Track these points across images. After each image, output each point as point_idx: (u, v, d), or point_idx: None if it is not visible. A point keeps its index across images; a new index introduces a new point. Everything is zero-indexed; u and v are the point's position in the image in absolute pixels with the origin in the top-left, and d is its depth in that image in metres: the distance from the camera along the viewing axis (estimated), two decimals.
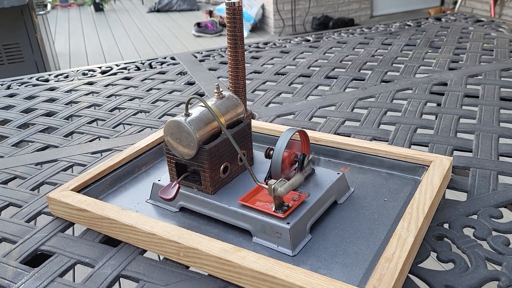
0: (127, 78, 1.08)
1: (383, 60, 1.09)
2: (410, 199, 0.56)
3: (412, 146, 0.70)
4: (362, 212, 0.55)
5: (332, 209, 0.56)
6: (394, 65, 1.06)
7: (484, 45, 1.14)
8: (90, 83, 1.06)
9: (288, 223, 0.49)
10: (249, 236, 0.52)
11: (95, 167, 0.63)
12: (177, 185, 0.54)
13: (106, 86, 1.04)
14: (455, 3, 4.78)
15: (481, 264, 0.47)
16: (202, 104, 0.56)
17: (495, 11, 4.16)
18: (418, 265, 0.48)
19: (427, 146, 0.70)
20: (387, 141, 0.72)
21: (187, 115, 0.54)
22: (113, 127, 0.83)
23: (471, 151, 0.68)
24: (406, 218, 0.49)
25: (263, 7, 4.67)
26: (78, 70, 1.16)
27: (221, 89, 0.59)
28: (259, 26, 4.78)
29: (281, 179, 0.51)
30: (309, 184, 0.56)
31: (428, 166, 0.60)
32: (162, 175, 0.60)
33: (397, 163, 0.62)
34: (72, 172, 0.70)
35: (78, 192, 0.59)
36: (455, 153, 0.68)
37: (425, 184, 0.55)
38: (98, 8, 6.14)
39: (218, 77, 1.05)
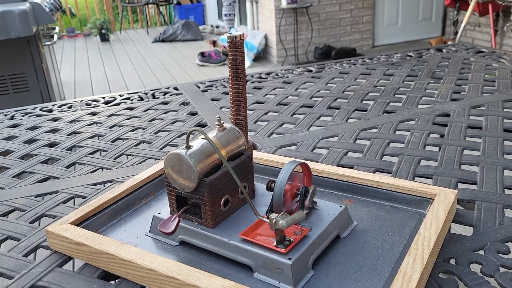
0: (130, 109, 1.09)
1: (385, 91, 1.09)
2: (415, 233, 0.55)
3: (416, 178, 0.69)
4: (366, 247, 0.54)
5: (335, 243, 0.54)
6: (396, 95, 1.06)
7: (486, 76, 1.14)
8: (93, 113, 1.06)
9: (289, 259, 0.48)
10: (250, 272, 0.51)
11: (95, 200, 0.62)
12: (177, 218, 0.53)
13: (109, 116, 1.04)
14: (456, 33, 4.84)
15: None
16: (203, 136, 0.56)
17: (496, 42, 4.20)
18: None
19: (431, 178, 0.69)
20: (391, 173, 0.71)
21: (188, 147, 0.53)
22: (115, 158, 0.82)
23: (475, 184, 0.67)
24: (411, 254, 0.48)
25: (266, 37, 4.74)
26: (81, 101, 1.17)
27: (222, 121, 0.58)
28: (261, 56, 4.84)
29: (282, 213, 0.50)
30: (311, 217, 0.55)
31: (433, 199, 0.59)
32: (163, 207, 0.60)
33: (401, 196, 0.61)
34: (74, 204, 0.69)
35: (78, 225, 0.58)
36: (460, 185, 0.67)
37: (430, 218, 0.54)
38: (104, 38, 6.24)
39: (221, 108, 1.05)
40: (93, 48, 5.79)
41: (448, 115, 0.93)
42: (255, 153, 0.73)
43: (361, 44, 4.96)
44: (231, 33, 0.57)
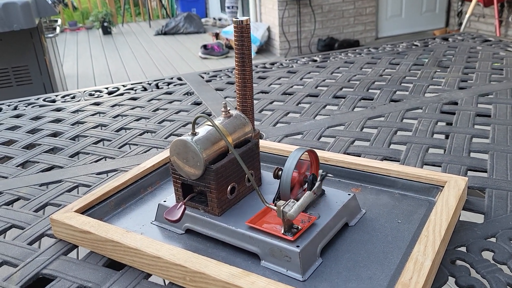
0: (134, 99, 1.08)
1: (391, 80, 1.08)
2: (425, 221, 0.54)
3: (424, 166, 0.68)
4: (375, 234, 0.53)
5: (343, 231, 0.54)
6: (402, 84, 1.04)
7: (495, 64, 1.12)
8: (97, 104, 1.05)
9: (297, 246, 0.47)
10: (258, 260, 0.50)
11: (99, 188, 0.61)
12: (183, 206, 0.53)
13: (112, 106, 1.03)
14: (460, 24, 4.80)
15: None
16: (209, 123, 0.55)
17: (500, 32, 4.16)
18: None
19: (440, 166, 0.68)
20: (398, 161, 0.70)
21: (194, 134, 0.52)
22: (119, 148, 0.82)
23: (485, 171, 0.66)
24: (422, 241, 0.47)
25: (269, 29, 4.71)
26: (85, 91, 1.16)
27: (228, 108, 0.57)
28: (265, 48, 4.81)
29: (290, 200, 0.49)
30: (319, 205, 0.54)
31: (443, 186, 0.58)
32: (168, 196, 0.59)
33: (410, 184, 0.60)
34: (78, 193, 0.68)
35: (82, 213, 0.57)
36: (469, 173, 0.66)
37: (440, 205, 0.53)
38: (106, 31, 6.22)
39: (225, 97, 1.04)
40: (95, 41, 5.77)
41: (456, 104, 0.91)
42: (261, 142, 0.72)
43: (364, 36, 4.92)
44: (237, 19, 0.56)
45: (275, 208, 0.49)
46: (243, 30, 0.56)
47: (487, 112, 0.86)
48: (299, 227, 0.49)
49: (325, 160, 0.65)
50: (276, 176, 0.55)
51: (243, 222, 0.51)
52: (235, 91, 0.57)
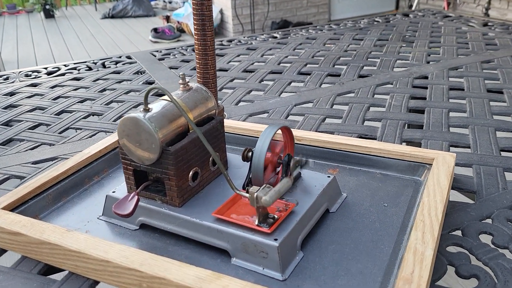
0: (77, 79, 0.96)
1: (357, 55, 1.02)
2: (414, 203, 0.48)
3: (403, 143, 0.63)
4: (361, 221, 0.46)
5: (324, 219, 0.47)
6: (369, 59, 0.99)
7: (432, 49, 1.06)
8: (34, 85, 0.93)
9: (275, 240, 0.40)
10: (228, 257, 0.42)
11: (34, 179, 0.51)
12: (136, 197, 0.44)
13: (52, 87, 0.91)
14: (411, 6, 4.86)
15: (509, 278, 0.39)
16: (165, 97, 0.46)
17: None
18: (436, 283, 0.39)
19: (419, 143, 0.63)
20: (375, 139, 0.64)
21: (147, 110, 0.44)
22: (60, 133, 0.71)
23: (469, 147, 0.61)
24: (418, 227, 0.41)
25: (221, 11, 4.59)
26: (20, 72, 1.03)
27: (187, 80, 0.49)
28: (217, 32, 4.68)
29: (264, 185, 0.41)
30: (295, 190, 0.47)
31: (430, 164, 0.52)
32: (118, 185, 0.50)
33: (393, 162, 0.54)
34: (10, 186, 0.58)
35: (12, 210, 0.47)
36: (452, 149, 0.61)
37: (432, 185, 0.47)
38: (49, 14, 5.86)
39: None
40: (37, 25, 5.42)
41: (426, 77, 0.86)
42: (227, 122, 0.64)
43: (317, 19, 4.89)
44: None
45: (247, 195, 0.41)
46: None
47: (460, 85, 0.82)
48: (276, 216, 0.42)
49: (297, 139, 0.58)
50: (246, 158, 0.47)
51: (209, 213, 0.43)
52: (195, 60, 0.49)
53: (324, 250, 0.42)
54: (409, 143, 0.62)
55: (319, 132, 0.66)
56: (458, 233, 0.45)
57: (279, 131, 0.47)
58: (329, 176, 0.49)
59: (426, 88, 0.81)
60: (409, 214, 0.47)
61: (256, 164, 0.44)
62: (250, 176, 0.45)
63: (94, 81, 0.94)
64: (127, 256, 0.39)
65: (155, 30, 4.50)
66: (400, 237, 0.43)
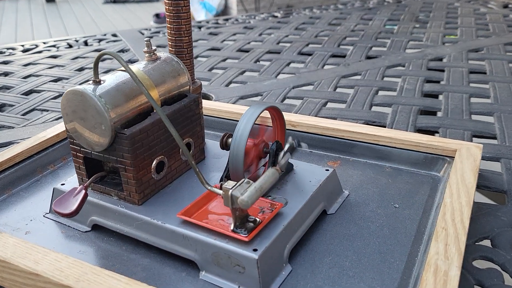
0: (54, 57, 0.87)
1: (365, 35, 0.92)
2: (431, 205, 0.39)
3: (417, 132, 0.53)
4: (365, 226, 0.37)
5: (320, 222, 0.38)
6: (378, 40, 0.89)
7: (448, 36, 0.95)
8: (5, 63, 0.84)
9: (254, 250, 0.31)
10: (196, 270, 0.33)
11: None
12: (83, 191, 0.35)
13: (25, 65, 0.82)
14: None
15: None
16: (123, 68, 0.37)
17: None
18: None
19: (436, 132, 0.53)
20: (385, 126, 0.54)
21: (98, 82, 0.35)
22: (23, 114, 0.62)
23: (495, 137, 0.51)
24: (440, 237, 0.32)
25: None
26: None
27: (154, 48, 0.40)
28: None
29: (244, 180, 0.32)
30: (285, 186, 0.38)
31: (451, 157, 0.43)
32: (72, 176, 0.41)
33: (406, 154, 0.45)
34: None
35: None
36: (474, 140, 0.52)
37: (455, 183, 0.37)
38: None
39: (196, 57, 0.85)
40: (37, 10, 5.31)
41: (441, 59, 0.77)
42: (209, 104, 0.55)
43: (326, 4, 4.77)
44: None
45: (220, 192, 0.32)
46: None
47: (481, 69, 0.72)
48: (258, 219, 0.33)
49: (291, 125, 0.49)
50: (225, 145, 0.38)
51: (175, 214, 0.34)
52: (166, 24, 0.39)
53: (319, 264, 0.33)
54: (424, 132, 0.53)
55: (319, 117, 0.57)
56: (487, 243, 0.36)
57: (267, 114, 0.38)
58: (327, 170, 0.40)
59: (443, 71, 0.72)
60: (426, 218, 0.37)
61: (234, 152, 0.35)
62: (229, 167, 0.36)
63: (73, 59, 0.85)
64: (63, 268, 0.30)
65: (157, 15, 4.40)
66: (415, 247, 0.34)
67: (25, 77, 0.76)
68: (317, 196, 0.37)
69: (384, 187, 0.42)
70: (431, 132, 0.54)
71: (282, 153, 0.37)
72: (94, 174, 0.37)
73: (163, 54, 0.40)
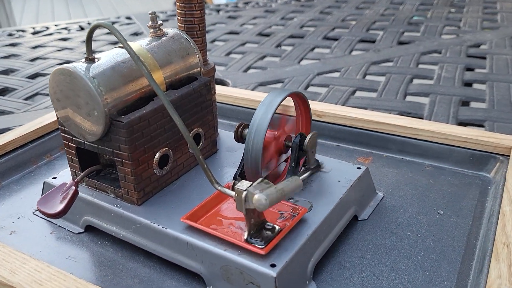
0: (64, 39, 0.83)
1: (396, 20, 0.85)
2: (482, 212, 0.33)
3: (459, 125, 0.47)
4: (405, 235, 0.31)
5: (350, 230, 0.32)
6: (411, 24, 0.82)
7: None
8: (13, 45, 0.80)
9: (273, 266, 0.25)
10: (202, 285, 0.28)
11: None
12: (73, 188, 0.30)
13: (33, 48, 0.78)
14: None
15: None
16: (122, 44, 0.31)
17: None
18: None
19: (481, 125, 0.47)
20: (422, 118, 0.48)
21: (91, 60, 0.29)
22: (25, 99, 0.58)
23: None
24: (501, 256, 0.26)
25: None
26: (4, 31, 0.90)
27: (159, 22, 0.34)
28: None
29: (261, 179, 0.27)
30: (310, 187, 0.32)
31: (505, 156, 0.36)
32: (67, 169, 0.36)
33: (450, 151, 0.39)
34: None
35: None
36: None
37: None
38: None
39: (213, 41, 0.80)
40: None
41: (479, 46, 0.70)
42: (224, 90, 0.49)
43: None
44: None
45: (231, 193, 0.27)
46: None
47: None
48: (277, 227, 0.27)
49: (317, 115, 0.43)
50: (240, 138, 0.33)
51: (179, 218, 0.29)
52: None
53: (349, 282, 0.28)
54: (466, 125, 0.47)
55: (347, 106, 0.51)
56: None
57: (290, 101, 0.32)
58: (359, 168, 0.34)
59: (484, 58, 0.65)
60: (477, 228, 0.31)
61: (250, 146, 0.29)
62: (243, 163, 0.31)
63: (83, 42, 0.81)
64: (42, 280, 0.25)
65: None
66: (465, 265, 0.28)
67: (31, 60, 0.72)
68: (347, 199, 0.31)
69: (425, 189, 0.36)
70: (475, 125, 0.47)
71: (308, 147, 0.31)
72: (86, 167, 0.32)
73: (170, 30, 0.35)
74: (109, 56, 0.30)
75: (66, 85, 0.29)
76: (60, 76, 0.29)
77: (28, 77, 0.65)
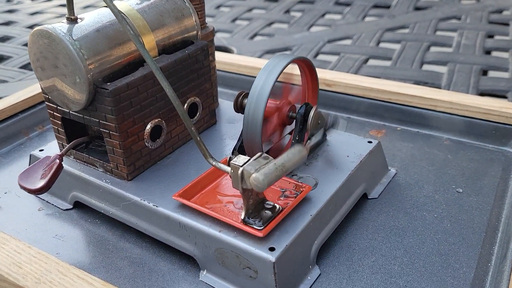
0: (63, 6, 0.79)
1: None
2: (504, 190, 0.30)
3: (480, 96, 0.43)
4: (420, 216, 0.28)
5: (359, 210, 0.29)
6: None
7: None
8: (10, 11, 0.77)
9: (272, 249, 0.23)
10: (196, 268, 0.26)
11: None
12: (57, 161, 0.27)
13: (32, 14, 0.75)
14: None
15: None
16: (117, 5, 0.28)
17: None
18: None
19: (504, 96, 0.43)
20: (439, 88, 0.45)
21: (73, 20, 0.26)
22: (21, 67, 0.55)
23: None
24: None
25: None
26: None
27: None
28: None
29: (260, 154, 0.24)
30: (315, 162, 0.30)
31: None
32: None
33: (471, 124, 0.35)
34: None
35: None
36: None
37: None
38: None
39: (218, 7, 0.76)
40: None
41: (501, 12, 0.65)
42: (226, 57, 0.46)
43: None
44: None
45: (227, 169, 0.24)
46: None
47: None
48: (278, 206, 0.25)
49: (326, 84, 0.40)
50: (240, 108, 0.30)
51: (171, 195, 0.26)
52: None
53: (358, 267, 0.25)
54: (488, 96, 0.43)
55: (359, 75, 0.47)
56: None
57: (295, 69, 0.29)
58: (370, 141, 0.31)
59: (507, 24, 0.60)
60: (499, 208, 0.29)
61: (250, 117, 0.27)
62: (242, 136, 0.28)
63: (84, 8, 0.77)
64: (22, 263, 0.23)
65: None
66: (486, 249, 0.26)
67: (29, 27, 0.69)
68: (356, 175, 0.29)
69: (442, 165, 0.33)
70: (497, 96, 0.44)
71: (313, 124, 0.28)
72: (73, 138, 0.30)
73: None
74: (93, 17, 0.27)
75: (45, 47, 0.26)
76: (38, 38, 0.26)
77: (24, 45, 0.62)
